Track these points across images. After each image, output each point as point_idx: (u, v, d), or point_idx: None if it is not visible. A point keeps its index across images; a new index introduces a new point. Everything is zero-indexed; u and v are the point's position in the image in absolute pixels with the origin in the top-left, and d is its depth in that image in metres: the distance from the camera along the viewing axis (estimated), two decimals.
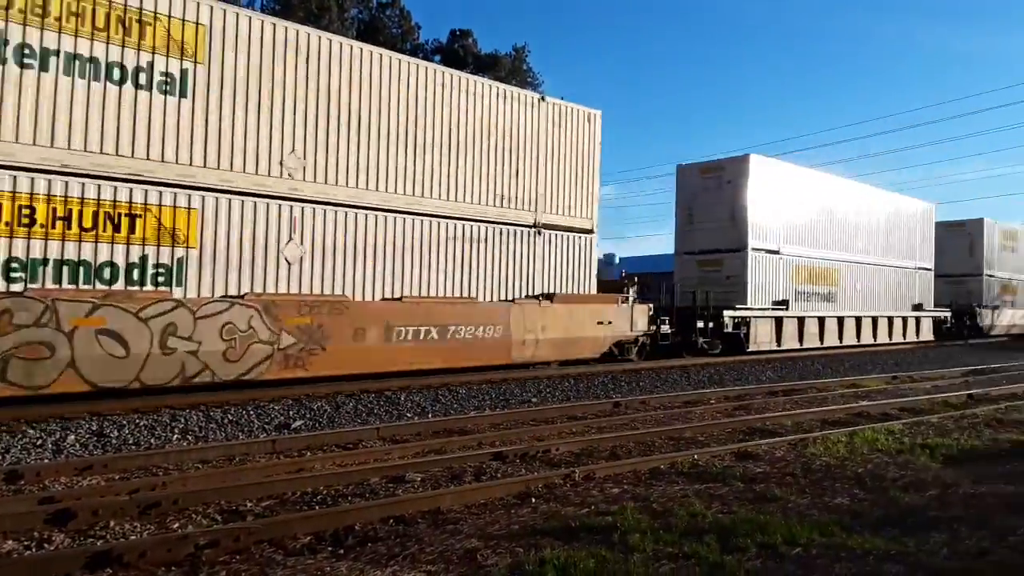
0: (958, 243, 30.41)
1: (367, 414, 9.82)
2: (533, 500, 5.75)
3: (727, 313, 18.92)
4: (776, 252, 20.85)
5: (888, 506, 5.54)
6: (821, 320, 22.05)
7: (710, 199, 20.47)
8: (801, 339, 21.20)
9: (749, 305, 19.67)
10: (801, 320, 21.26)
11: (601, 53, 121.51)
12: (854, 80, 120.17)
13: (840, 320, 22.87)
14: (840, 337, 22.77)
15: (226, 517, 5.26)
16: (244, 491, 5.77)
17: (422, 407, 10.44)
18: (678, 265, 21.26)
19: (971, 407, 10.70)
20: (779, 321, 20.52)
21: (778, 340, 20.46)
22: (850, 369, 17.06)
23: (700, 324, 18.60)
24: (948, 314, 28.55)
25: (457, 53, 36.82)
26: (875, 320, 24.52)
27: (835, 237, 23.22)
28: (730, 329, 19.02)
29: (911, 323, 26.51)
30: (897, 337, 25.56)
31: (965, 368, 17.25)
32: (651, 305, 17.08)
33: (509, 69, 34.41)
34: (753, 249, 20.01)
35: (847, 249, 23.69)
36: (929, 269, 27.91)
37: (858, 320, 23.73)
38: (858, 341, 23.51)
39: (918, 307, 26.92)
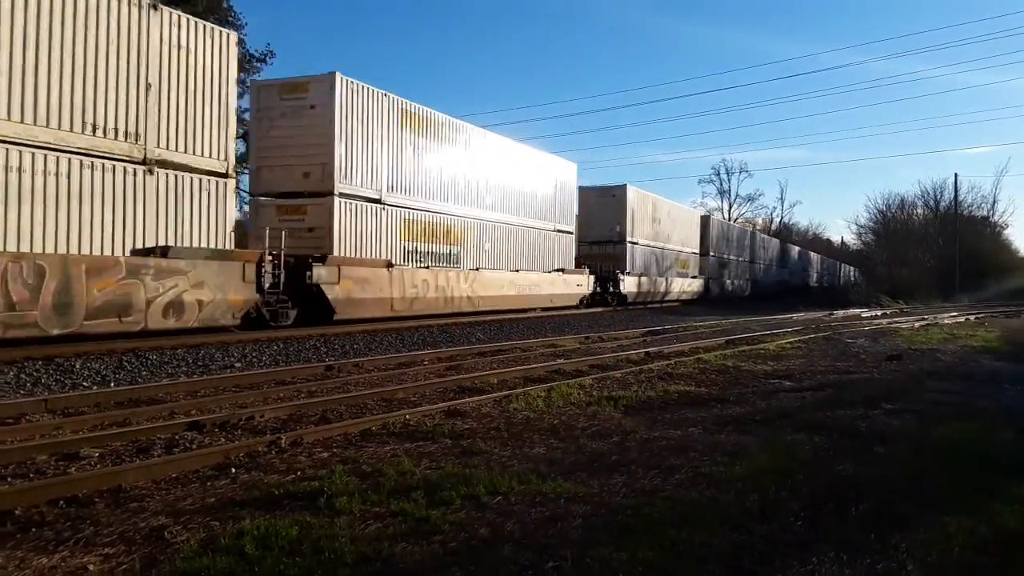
0: (607, 210, 29.54)
1: (32, 384, 8.49)
2: (233, 470, 5.36)
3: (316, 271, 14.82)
4: (378, 201, 17.30)
5: (578, 453, 6.04)
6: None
7: (291, 128, 16.21)
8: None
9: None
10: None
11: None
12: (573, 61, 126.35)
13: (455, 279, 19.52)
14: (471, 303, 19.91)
15: None
16: None
17: (102, 375, 9.28)
18: (254, 210, 17.02)
19: (648, 363, 12.11)
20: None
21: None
22: (550, 331, 18.48)
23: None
24: (590, 279, 27.10)
25: None
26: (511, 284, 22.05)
27: (461, 190, 20.27)
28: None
29: (557, 287, 24.52)
30: (543, 303, 23.74)
31: (644, 329, 19.56)
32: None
33: (206, 4, 30.73)
34: (342, 195, 16.16)
35: (476, 204, 20.91)
36: (571, 232, 26.52)
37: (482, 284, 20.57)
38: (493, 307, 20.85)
39: (559, 271, 25.23)
